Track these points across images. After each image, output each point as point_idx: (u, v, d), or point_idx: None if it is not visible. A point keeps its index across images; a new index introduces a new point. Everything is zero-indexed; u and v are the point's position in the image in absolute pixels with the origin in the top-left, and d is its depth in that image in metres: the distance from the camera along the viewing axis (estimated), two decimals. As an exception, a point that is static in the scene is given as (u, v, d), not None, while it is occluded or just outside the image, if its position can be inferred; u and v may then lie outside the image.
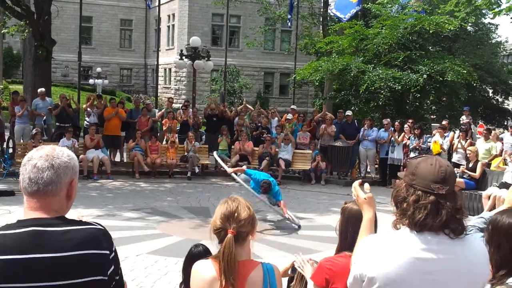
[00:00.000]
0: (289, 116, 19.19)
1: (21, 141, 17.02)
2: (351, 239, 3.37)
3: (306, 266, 3.58)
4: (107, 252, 2.25)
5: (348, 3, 23.51)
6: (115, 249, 2.30)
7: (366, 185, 3.02)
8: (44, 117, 17.52)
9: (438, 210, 2.29)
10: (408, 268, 2.28)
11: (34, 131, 16.31)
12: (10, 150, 16.39)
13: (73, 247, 2.17)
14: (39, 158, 2.25)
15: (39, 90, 17.76)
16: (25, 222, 2.20)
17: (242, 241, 2.83)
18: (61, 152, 2.30)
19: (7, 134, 17.56)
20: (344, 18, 23.65)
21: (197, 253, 4.29)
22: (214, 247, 2.96)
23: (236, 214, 2.82)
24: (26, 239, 2.15)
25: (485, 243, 2.87)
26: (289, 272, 3.78)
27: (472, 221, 3.42)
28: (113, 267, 2.27)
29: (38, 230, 2.16)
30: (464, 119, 19.01)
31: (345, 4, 23.93)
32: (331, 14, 26.08)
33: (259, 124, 18.75)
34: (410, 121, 17.96)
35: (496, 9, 14.15)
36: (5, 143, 16.91)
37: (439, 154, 16.01)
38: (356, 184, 3.02)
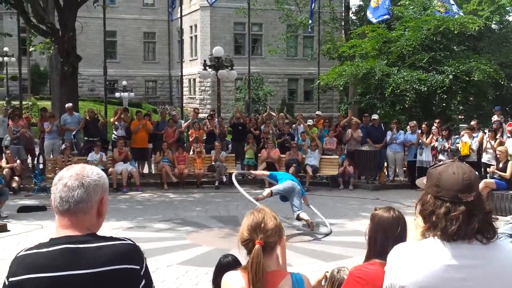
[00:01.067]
0: (309, 122, 19.15)
1: (51, 156, 17.28)
2: (380, 246, 3.34)
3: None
4: (138, 267, 2.27)
5: (381, 8, 23.17)
6: (146, 264, 2.33)
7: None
8: (74, 132, 17.77)
9: (469, 218, 2.25)
10: (439, 276, 2.25)
11: (63, 146, 16.56)
12: (41, 166, 16.65)
13: (105, 262, 2.20)
14: (70, 177, 2.29)
15: (66, 105, 18.03)
16: (57, 240, 2.25)
17: (270, 251, 2.85)
18: (91, 170, 2.35)
19: (37, 150, 17.84)
20: (375, 20, 23.31)
21: (226, 264, 4.32)
22: (243, 257, 2.98)
23: (262, 225, 2.84)
24: (59, 257, 2.19)
25: None
26: (322, 282, 3.76)
27: (502, 229, 3.38)
28: (144, 281, 2.30)
29: (70, 247, 2.20)
30: (495, 117, 18.76)
31: (378, 8, 23.57)
32: (354, 16, 25.86)
33: (282, 131, 18.75)
34: (437, 121, 17.79)
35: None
36: (35, 159, 17.18)
37: (468, 155, 15.84)
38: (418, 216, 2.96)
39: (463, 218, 2.24)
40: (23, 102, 26.97)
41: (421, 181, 2.50)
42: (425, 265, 2.27)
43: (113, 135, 18.45)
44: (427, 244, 2.32)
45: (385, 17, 22.38)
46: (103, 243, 2.25)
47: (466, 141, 16.12)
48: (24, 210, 12.95)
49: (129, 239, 2.35)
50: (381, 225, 3.42)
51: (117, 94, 43.61)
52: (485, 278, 2.27)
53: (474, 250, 2.26)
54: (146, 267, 2.33)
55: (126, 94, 41.87)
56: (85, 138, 18.12)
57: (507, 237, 3.32)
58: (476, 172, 2.52)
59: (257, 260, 2.77)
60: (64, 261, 2.18)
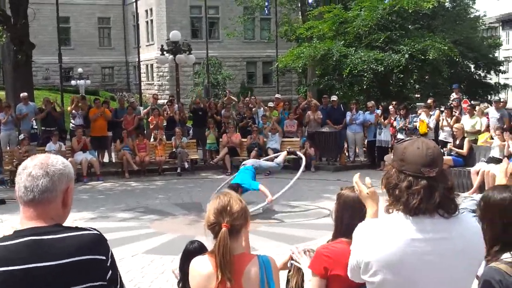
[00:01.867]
0: (271, 104, 19.19)
1: (8, 148, 16.90)
2: (346, 225, 3.38)
3: (302, 258, 3.60)
4: (104, 257, 2.26)
5: None
6: (111, 253, 2.32)
7: (368, 179, 3.00)
8: (33, 122, 17.41)
9: (431, 193, 2.30)
10: (403, 250, 2.29)
11: (21, 137, 16.21)
12: (-3, 158, 16.26)
13: (70, 253, 2.18)
14: (34, 166, 2.26)
15: (21, 95, 17.59)
16: (22, 232, 2.21)
17: (236, 234, 2.87)
18: (55, 159, 2.32)
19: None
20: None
21: (193, 250, 4.32)
22: (209, 242, 3.00)
23: (228, 208, 2.86)
24: (24, 249, 2.15)
25: (478, 220, 2.90)
26: (288, 264, 3.80)
27: (464, 204, 3.46)
28: (111, 271, 2.28)
29: (35, 239, 2.17)
30: (454, 95, 19.10)
31: None
32: None
33: (244, 115, 18.76)
34: (394, 103, 18.04)
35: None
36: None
37: (426, 133, 16.13)
38: (356, 178, 3.00)
39: (424, 193, 2.29)
40: (-24, 93, 26.24)
41: (389, 157, 2.55)
42: (389, 240, 2.31)
43: (70, 124, 18.15)
44: (391, 219, 2.37)
45: None
46: (68, 234, 2.22)
47: (424, 119, 16.39)
48: (-18, 204, 12.64)
49: (95, 229, 2.32)
50: (347, 204, 3.46)
51: (73, 82, 42.80)
52: (448, 251, 2.33)
53: (436, 224, 2.32)
54: (112, 257, 2.32)
55: (82, 81, 41.12)
56: (42, 128, 17.77)
57: (469, 212, 3.40)
58: (441, 149, 2.57)
59: (224, 243, 2.78)
60: (29, 253, 2.15)
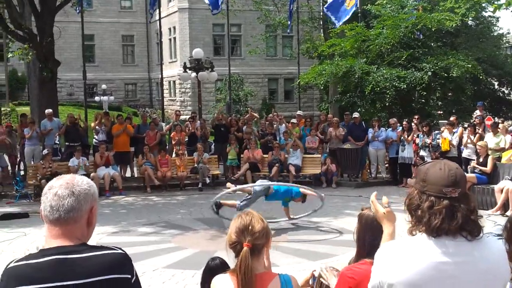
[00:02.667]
0: (294, 120, 19.21)
1: (32, 162, 17.12)
2: (369, 246, 3.38)
3: (331, 277, 3.57)
4: (129, 276, 2.28)
5: (342, 8, 23.52)
6: (136, 272, 2.34)
7: (384, 199, 2.99)
8: (57, 138, 17.64)
9: (453, 213, 2.29)
10: (427, 273, 2.27)
11: (45, 152, 16.42)
12: (22, 173, 16.48)
13: (96, 273, 2.20)
14: (60, 186, 2.31)
15: (46, 111, 17.87)
16: (47, 251, 2.24)
17: (258, 253, 2.88)
18: (81, 180, 2.37)
19: (18, 157, 17.67)
20: (338, 22, 23.70)
21: (214, 266, 4.32)
22: (230, 259, 3.01)
23: (250, 227, 2.87)
24: (49, 268, 2.18)
25: (504, 241, 2.87)
26: (310, 282, 3.78)
27: (490, 229, 3.42)
28: None
29: (60, 258, 2.20)
30: (477, 113, 18.94)
31: (338, 7, 23.87)
32: (325, 13, 26.09)
33: (266, 132, 18.79)
34: (416, 117, 17.95)
35: (496, 3, 14.16)
36: (16, 166, 17.01)
37: (448, 151, 16.00)
38: (373, 197, 3.00)
39: (446, 212, 2.28)
40: (2, 108, 26.66)
41: (412, 180, 2.56)
42: (413, 262, 2.29)
43: (94, 139, 18.33)
44: (414, 241, 2.35)
45: (347, 17, 22.79)
46: (93, 253, 2.25)
47: (446, 137, 16.28)
48: (6, 217, 12.77)
49: (119, 248, 2.35)
50: (368, 225, 3.46)
51: (96, 98, 43.28)
52: (472, 275, 2.30)
53: (460, 246, 2.29)
54: (137, 275, 2.34)
55: (105, 97, 41.61)
56: (66, 143, 17.99)
57: (494, 236, 3.36)
58: (464, 172, 2.55)
59: (246, 263, 2.79)
60: (54, 272, 2.17)
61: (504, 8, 13.96)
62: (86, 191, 2.33)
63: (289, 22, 27.85)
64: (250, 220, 2.90)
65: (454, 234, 2.30)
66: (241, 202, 11.18)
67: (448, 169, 2.36)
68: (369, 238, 3.42)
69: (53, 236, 2.28)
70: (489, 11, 30.41)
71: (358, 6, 23.73)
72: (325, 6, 23.55)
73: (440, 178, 2.34)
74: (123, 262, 2.29)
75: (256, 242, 2.85)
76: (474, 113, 19.31)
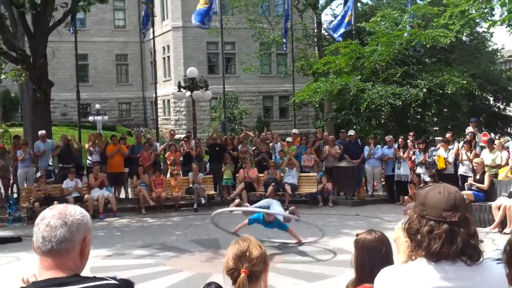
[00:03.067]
0: (289, 139, 19.15)
1: (25, 185, 16.95)
2: (368, 270, 3.35)
3: None
4: None
5: (341, 23, 23.76)
6: None
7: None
8: (50, 160, 17.50)
9: (453, 238, 2.27)
10: None
11: (38, 174, 16.25)
12: (15, 195, 16.32)
13: None
14: (52, 216, 2.27)
15: (39, 132, 17.73)
16: (39, 284, 2.22)
17: (256, 280, 2.81)
18: (73, 210, 2.33)
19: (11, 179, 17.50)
20: (338, 37, 23.91)
21: (210, 292, 4.22)
22: (227, 285, 2.93)
23: (247, 254, 2.81)
24: None
25: (504, 265, 2.79)
26: None
27: (489, 254, 3.36)
28: None
29: None
30: (469, 129, 18.92)
31: (338, 24, 24.19)
32: (326, 33, 26.28)
33: (261, 150, 18.70)
34: (411, 133, 17.91)
35: (490, 19, 14.23)
36: (9, 188, 16.84)
37: (444, 168, 15.94)
38: (400, 225, 2.96)
39: (446, 237, 2.27)
40: (-5, 130, 26.56)
41: (411, 205, 2.53)
42: (412, 287, 2.29)
43: (87, 160, 18.19)
44: (413, 266, 2.35)
45: (343, 30, 22.95)
46: (86, 284, 2.20)
47: (441, 155, 16.22)
48: (-1, 241, 12.60)
49: (113, 278, 2.32)
50: (365, 249, 3.44)
51: (90, 118, 43.10)
52: None
53: (459, 271, 2.28)
54: None
55: (99, 117, 41.41)
56: (59, 164, 17.85)
57: (493, 260, 3.28)
58: (464, 195, 2.52)
59: None
60: None
61: (499, 25, 14.00)
62: (79, 221, 2.28)
63: (284, 40, 27.91)
64: (247, 246, 2.83)
65: (454, 259, 2.28)
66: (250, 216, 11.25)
67: (448, 192, 2.34)
68: (367, 262, 3.40)
69: (45, 267, 2.24)
70: (484, 27, 30.61)
71: (352, 24, 23.84)
72: (328, 27, 23.66)
73: (439, 202, 2.32)
74: None
75: (254, 269, 2.79)
76: (467, 129, 19.28)
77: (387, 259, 3.35)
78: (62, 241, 2.23)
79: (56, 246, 2.22)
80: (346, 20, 23.59)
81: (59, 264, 2.23)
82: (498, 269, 2.42)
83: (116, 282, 2.29)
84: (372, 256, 3.36)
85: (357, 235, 3.57)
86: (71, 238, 2.24)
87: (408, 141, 17.45)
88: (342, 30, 23.49)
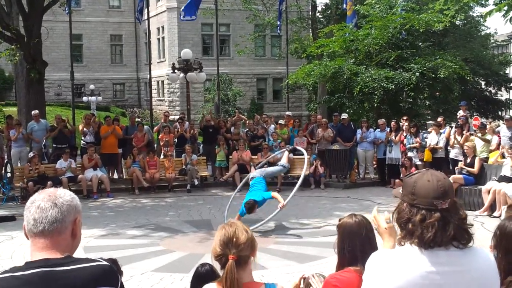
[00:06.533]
0: (281, 121, 19.22)
1: (19, 164, 17.01)
2: (350, 253, 3.44)
3: (319, 286, 3.58)
4: None
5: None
6: (121, 283, 2.34)
7: (386, 215, 2.99)
8: (44, 141, 17.56)
9: (445, 225, 2.29)
10: (418, 283, 2.28)
11: (31, 154, 16.29)
12: (9, 175, 16.38)
13: (80, 285, 2.20)
14: (42, 199, 2.31)
15: (33, 112, 17.75)
16: (33, 264, 2.23)
17: (244, 264, 2.86)
18: (63, 192, 2.37)
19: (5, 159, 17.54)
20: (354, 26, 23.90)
21: (203, 273, 4.32)
22: (218, 266, 2.99)
23: (234, 239, 2.84)
24: (35, 280, 2.17)
25: (493, 248, 2.88)
26: (301, 287, 3.78)
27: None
28: None
29: (46, 270, 2.19)
30: (461, 113, 19.03)
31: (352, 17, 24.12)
32: (320, 15, 26.14)
33: (255, 133, 18.77)
34: (405, 118, 18.01)
35: (484, 4, 14.28)
36: (3, 168, 16.89)
37: (430, 162, 16.04)
38: (375, 212, 3.00)
39: (438, 225, 2.28)
40: (-12, 109, 26.51)
41: (397, 191, 2.57)
42: (404, 272, 2.29)
43: (81, 141, 18.23)
44: (405, 251, 2.35)
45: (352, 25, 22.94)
46: (78, 266, 2.24)
47: (427, 147, 16.35)
48: (-7, 221, 12.68)
49: (104, 260, 2.36)
50: (346, 233, 3.51)
51: (84, 98, 43.06)
52: (463, 284, 2.31)
53: (451, 256, 2.30)
54: (121, 286, 2.34)
55: (93, 98, 41.37)
56: (53, 145, 17.89)
57: None
58: (451, 180, 2.56)
59: (231, 276, 2.78)
60: (39, 285, 2.17)
61: (494, 13, 14.08)
62: (68, 203, 2.32)
63: (278, 22, 27.86)
64: (234, 232, 2.86)
65: (446, 245, 2.30)
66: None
67: (437, 180, 2.35)
68: (348, 245, 3.46)
69: (38, 248, 2.27)
70: (478, 12, 30.62)
71: (346, 7, 23.79)
72: (347, 20, 23.61)
73: (429, 190, 2.33)
74: (107, 274, 2.29)
75: (242, 254, 2.83)
76: (458, 113, 19.41)
77: (370, 243, 3.43)
78: (54, 222, 2.26)
79: (48, 227, 2.26)
80: (349, 13, 23.53)
81: (52, 245, 2.27)
82: (487, 254, 2.46)
83: (107, 264, 2.32)
84: (353, 240, 3.43)
85: (339, 220, 3.63)
86: (62, 219, 2.28)
87: (402, 125, 17.53)
88: (351, 24, 23.28)
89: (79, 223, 2.37)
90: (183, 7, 22.89)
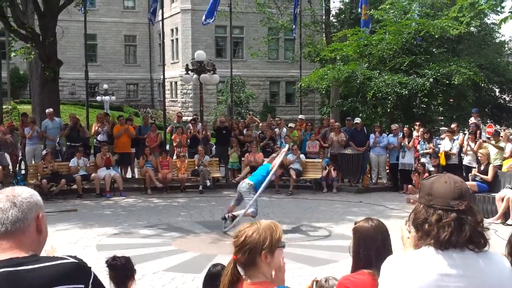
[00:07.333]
0: (291, 124, 19.15)
1: (33, 162, 17.14)
2: (365, 257, 3.44)
3: None
4: (81, 286, 2.23)
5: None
6: (94, 279, 2.29)
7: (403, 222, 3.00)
8: (58, 139, 17.70)
9: (461, 226, 2.29)
10: (434, 285, 2.28)
11: (44, 152, 16.42)
12: (23, 172, 16.50)
13: (45, 284, 2.17)
14: (0, 200, 2.29)
15: (47, 110, 17.89)
16: None
17: (251, 265, 2.80)
18: (21, 190, 2.34)
19: (19, 156, 17.69)
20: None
21: (215, 273, 4.32)
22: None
23: (242, 239, 2.81)
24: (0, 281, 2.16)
25: (506, 256, 2.87)
26: None
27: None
28: None
29: (10, 270, 2.17)
30: (472, 120, 18.96)
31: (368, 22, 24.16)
32: (334, 20, 26.19)
33: (264, 135, 18.79)
34: (418, 123, 17.96)
35: (499, 12, 14.24)
36: (17, 165, 17.03)
37: (444, 165, 15.96)
38: (403, 224, 3.02)
39: (454, 225, 2.29)
40: (3, 106, 26.67)
41: (414, 196, 2.57)
42: (419, 275, 2.30)
43: (95, 140, 18.34)
44: (421, 254, 2.36)
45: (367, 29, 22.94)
46: (44, 264, 2.21)
47: (442, 151, 16.27)
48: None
49: (74, 257, 2.32)
50: (362, 237, 3.50)
51: (98, 98, 43.29)
52: (478, 287, 2.30)
53: (467, 259, 2.30)
54: (95, 283, 2.29)
55: (107, 97, 41.60)
56: (67, 143, 18.01)
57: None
58: (468, 185, 2.55)
59: (226, 273, 2.78)
60: (3, 285, 2.15)
61: (509, 21, 14.03)
62: (28, 200, 2.30)
63: (293, 26, 27.88)
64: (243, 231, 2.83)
65: (462, 247, 2.31)
66: (251, 208, 11.18)
67: (454, 182, 2.37)
68: (363, 250, 3.46)
69: (3, 249, 2.25)
70: (492, 18, 30.41)
71: (361, 11, 23.78)
72: (362, 25, 23.65)
73: (446, 191, 2.34)
74: (73, 272, 2.24)
75: (245, 255, 2.78)
76: (470, 120, 19.33)
77: (384, 248, 3.42)
78: (16, 222, 2.25)
79: (10, 227, 2.24)
80: (364, 17, 23.57)
81: (16, 244, 2.25)
82: (504, 259, 2.46)
83: (76, 261, 2.28)
84: (369, 244, 3.43)
85: (355, 223, 3.63)
86: (23, 217, 2.26)
87: (415, 131, 17.48)
88: (366, 30, 23.29)
89: (43, 218, 2.34)
90: (205, 12, 23.14)
